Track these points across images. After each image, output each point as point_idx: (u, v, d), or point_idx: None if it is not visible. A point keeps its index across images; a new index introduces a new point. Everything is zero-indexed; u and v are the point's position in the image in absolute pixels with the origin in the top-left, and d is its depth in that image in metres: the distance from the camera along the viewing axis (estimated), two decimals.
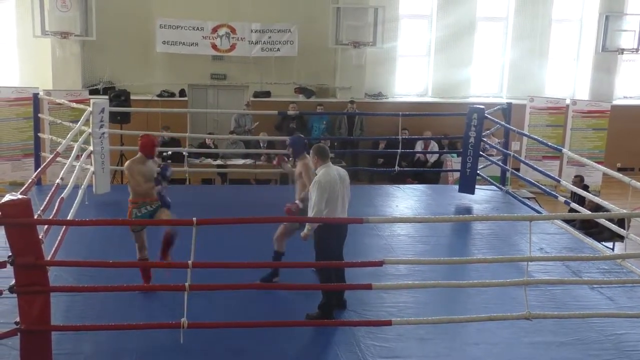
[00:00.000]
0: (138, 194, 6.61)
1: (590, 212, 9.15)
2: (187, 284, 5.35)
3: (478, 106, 10.62)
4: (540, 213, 9.59)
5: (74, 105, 10.57)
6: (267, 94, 15.32)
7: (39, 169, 7.62)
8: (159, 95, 14.79)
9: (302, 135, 7.72)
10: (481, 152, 10.56)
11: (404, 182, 12.51)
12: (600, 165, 8.89)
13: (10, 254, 5.00)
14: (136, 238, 6.68)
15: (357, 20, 14.93)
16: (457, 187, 10.83)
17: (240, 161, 13.20)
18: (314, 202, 6.09)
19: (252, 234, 7.27)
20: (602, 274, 7.64)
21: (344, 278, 6.52)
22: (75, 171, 8.32)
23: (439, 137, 13.99)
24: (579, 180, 11.19)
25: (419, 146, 14.19)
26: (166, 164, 7.04)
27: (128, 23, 14.68)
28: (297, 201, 6.80)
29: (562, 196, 9.87)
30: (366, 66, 15.46)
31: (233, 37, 14.65)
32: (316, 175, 6.29)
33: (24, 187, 5.81)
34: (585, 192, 9.30)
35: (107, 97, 12.44)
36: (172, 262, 6.31)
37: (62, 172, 7.57)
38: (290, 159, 7.17)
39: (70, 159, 8.00)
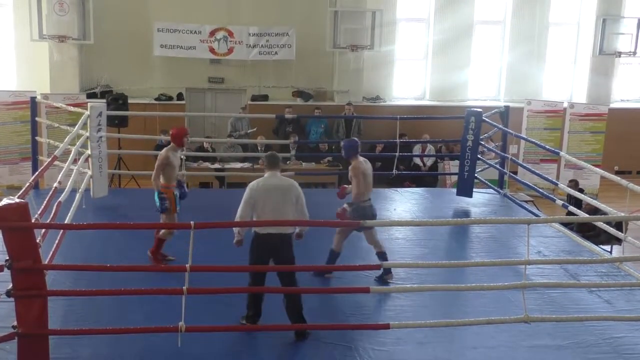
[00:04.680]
0: (172, 179, 7.27)
1: (588, 215, 9.15)
2: (184, 288, 5.35)
3: (476, 109, 10.62)
4: (538, 216, 9.60)
5: (72, 109, 10.54)
6: (265, 97, 15.32)
7: (37, 173, 7.60)
8: (156, 99, 14.78)
9: (355, 139, 7.82)
10: (479, 156, 10.57)
11: (402, 186, 12.50)
12: (597, 168, 8.90)
13: (7, 257, 4.99)
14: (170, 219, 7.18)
15: (354, 24, 14.92)
16: (455, 190, 10.83)
17: (238, 165, 13.19)
18: (239, 207, 6.02)
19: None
20: (600, 277, 7.63)
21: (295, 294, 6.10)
22: (72, 175, 8.32)
23: (436, 140, 13.98)
24: (574, 185, 11.19)
25: (416, 150, 14.18)
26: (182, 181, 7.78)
27: (126, 27, 14.67)
28: (345, 205, 7.04)
29: (560, 199, 9.88)
30: (364, 69, 15.44)
31: (231, 41, 14.65)
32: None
33: (22, 190, 5.81)
34: (582, 195, 9.31)
35: (104, 100, 12.44)
36: (170, 266, 6.31)
37: (60, 175, 7.56)
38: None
39: (67, 162, 8.00)
